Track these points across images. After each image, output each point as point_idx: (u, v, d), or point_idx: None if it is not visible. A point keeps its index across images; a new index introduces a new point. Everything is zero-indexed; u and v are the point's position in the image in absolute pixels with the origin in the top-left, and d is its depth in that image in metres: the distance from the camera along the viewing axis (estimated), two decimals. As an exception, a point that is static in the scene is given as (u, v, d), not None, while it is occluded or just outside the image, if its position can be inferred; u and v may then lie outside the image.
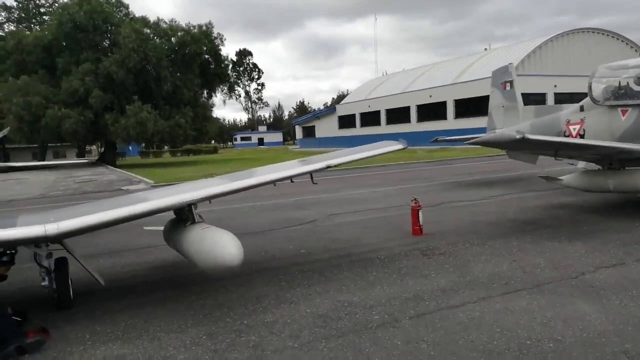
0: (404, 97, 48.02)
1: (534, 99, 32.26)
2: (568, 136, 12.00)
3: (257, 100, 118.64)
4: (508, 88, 14.21)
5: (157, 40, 37.69)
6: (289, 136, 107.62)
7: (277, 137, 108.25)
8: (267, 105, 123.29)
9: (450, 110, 42.61)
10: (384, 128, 50.26)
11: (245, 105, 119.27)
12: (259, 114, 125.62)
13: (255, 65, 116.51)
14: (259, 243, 8.05)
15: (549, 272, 5.60)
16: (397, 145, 6.52)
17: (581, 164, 10.72)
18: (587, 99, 11.39)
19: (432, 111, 44.28)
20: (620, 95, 10.76)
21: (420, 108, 46.07)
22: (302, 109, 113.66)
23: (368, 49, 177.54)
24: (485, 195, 11.90)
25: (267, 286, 5.73)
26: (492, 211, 9.68)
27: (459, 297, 4.98)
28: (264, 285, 5.80)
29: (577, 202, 10.04)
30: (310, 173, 6.41)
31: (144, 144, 56.00)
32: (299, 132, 69.68)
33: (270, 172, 6.13)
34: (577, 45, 40.94)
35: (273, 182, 6.10)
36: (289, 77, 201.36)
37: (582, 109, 11.67)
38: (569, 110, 12.18)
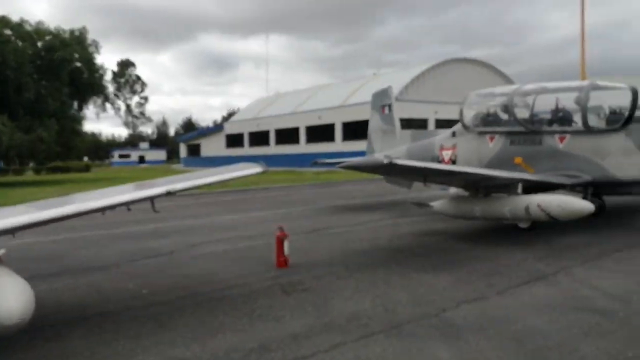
0: (294, 117, 48.05)
1: (416, 124, 33.63)
2: (441, 161, 12.14)
3: (139, 115, 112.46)
4: (387, 112, 14.24)
5: (20, 43, 33.66)
6: (174, 154, 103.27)
7: (161, 155, 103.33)
8: (150, 120, 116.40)
9: (339, 132, 43.29)
10: (273, 148, 49.78)
11: (126, 119, 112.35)
12: (140, 129, 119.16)
13: (138, 77, 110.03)
14: (95, 282, 6.77)
15: (410, 309, 5.11)
16: (254, 169, 5.74)
17: (453, 190, 10.77)
18: (459, 124, 11.61)
19: (321, 133, 44.67)
20: (489, 122, 11.06)
21: (309, 129, 46.30)
22: (189, 125, 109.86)
23: (262, 67, 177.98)
24: (363, 220, 11.56)
25: (85, 339, 4.58)
26: (366, 238, 9.25)
27: (311, 344, 4.26)
28: (81, 338, 4.64)
29: (448, 228, 9.98)
30: (151, 199, 5.35)
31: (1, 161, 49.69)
32: (183, 150, 66.82)
33: (94, 199, 5.00)
34: (457, 73, 43.87)
35: (98, 211, 4.99)
36: (177, 91, 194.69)
37: (454, 134, 11.87)
38: (442, 135, 12.35)
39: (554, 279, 6.10)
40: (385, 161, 6.66)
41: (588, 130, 9.30)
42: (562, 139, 9.70)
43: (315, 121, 45.02)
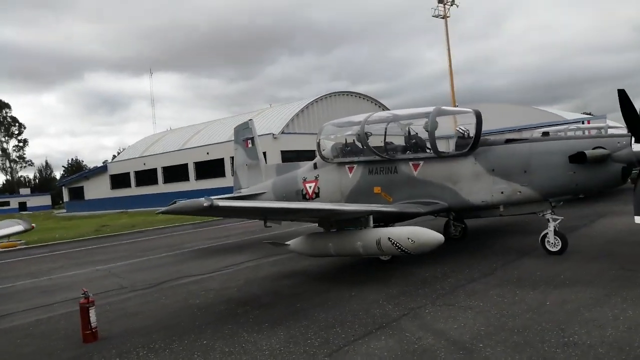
0: (181, 154, 45.89)
1: (305, 156, 33.32)
2: (305, 194, 11.51)
3: (17, 159, 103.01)
4: (250, 145, 13.44)
5: None
6: (60, 199, 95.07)
7: (45, 200, 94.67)
8: (31, 164, 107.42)
9: (228, 167, 41.91)
10: (161, 187, 47.02)
11: (3, 164, 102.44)
12: (21, 174, 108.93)
13: (14, 120, 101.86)
14: None
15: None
16: (15, 227, 4.53)
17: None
18: (318, 156, 11.07)
19: (211, 168, 42.99)
20: (346, 152, 10.63)
21: (198, 165, 44.41)
22: (75, 167, 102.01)
23: (157, 105, 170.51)
24: (224, 265, 10.49)
25: None
26: (215, 288, 8.20)
27: None
28: None
29: (310, 267, 9.23)
30: None
31: None
32: (66, 195, 61.37)
33: None
34: (339, 105, 44.77)
35: None
36: (65, 133, 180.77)
37: (315, 166, 11.30)
38: (304, 168, 11.75)
39: (398, 325, 5.46)
40: (206, 204, 5.74)
41: (438, 156, 9.12)
42: (415, 167, 9.45)
43: (203, 157, 43.31)
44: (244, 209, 6.68)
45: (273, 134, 37.97)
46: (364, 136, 9.89)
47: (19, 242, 18.14)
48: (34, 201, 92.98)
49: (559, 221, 8.38)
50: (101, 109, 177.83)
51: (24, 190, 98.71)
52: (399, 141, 10.08)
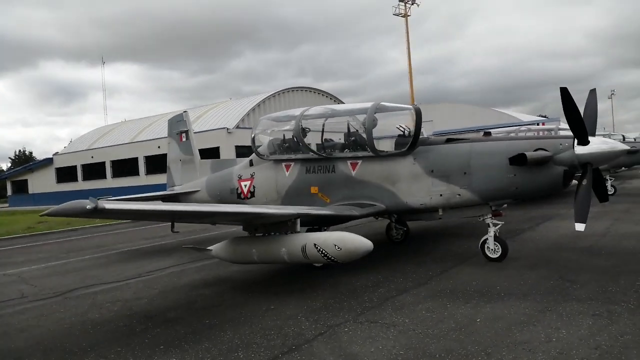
0: (132, 147, 44.06)
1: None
2: (240, 193, 10.73)
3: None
4: (184, 139, 12.53)
5: None
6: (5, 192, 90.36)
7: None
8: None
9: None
10: (110, 181, 45.11)
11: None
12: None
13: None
14: None
15: None
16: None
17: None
18: (254, 153, 10.32)
19: (162, 163, 41.35)
20: (283, 149, 9.89)
21: (149, 159, 42.76)
22: (24, 159, 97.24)
23: (114, 96, 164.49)
24: (148, 270, 9.59)
25: None
26: (124, 299, 7.33)
27: None
28: None
29: (236, 274, 8.47)
30: None
31: None
32: (9, 188, 58.18)
33: None
34: (298, 101, 44.02)
35: None
36: (17, 122, 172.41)
37: (251, 163, 10.53)
38: (240, 165, 10.95)
39: (308, 349, 4.77)
40: (89, 206, 4.89)
41: (376, 155, 8.51)
42: (354, 166, 8.82)
43: (154, 151, 41.70)
44: (138, 212, 5.85)
45: (227, 129, 36.93)
46: (299, 132, 9.19)
47: None
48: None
49: (499, 226, 7.92)
50: (56, 99, 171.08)
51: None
52: (335, 139, 9.44)
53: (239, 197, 10.65)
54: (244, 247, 7.48)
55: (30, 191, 53.30)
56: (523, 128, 17.69)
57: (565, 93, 6.58)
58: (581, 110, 7.01)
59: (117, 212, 5.57)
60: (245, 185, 10.55)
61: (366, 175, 8.66)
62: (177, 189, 12.40)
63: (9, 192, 57.83)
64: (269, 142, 10.10)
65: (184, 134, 12.53)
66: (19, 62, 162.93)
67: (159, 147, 41.61)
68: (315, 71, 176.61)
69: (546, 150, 7.16)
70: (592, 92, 7.69)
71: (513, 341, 4.59)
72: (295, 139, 9.34)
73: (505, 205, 8.37)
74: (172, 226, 7.18)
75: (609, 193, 18.03)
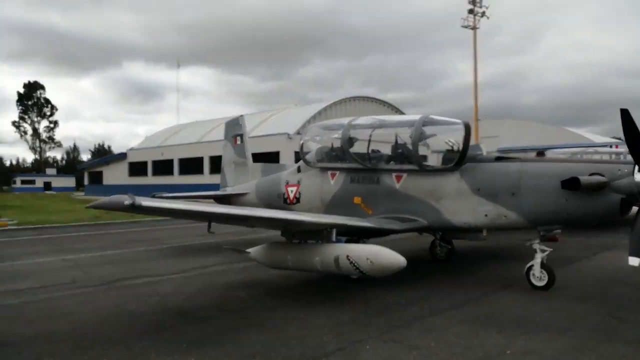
0: (198, 147, 45.81)
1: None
2: (286, 199, 10.83)
3: (47, 140, 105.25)
4: (239, 142, 12.86)
5: None
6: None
7: (69, 182, 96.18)
8: (59, 145, 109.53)
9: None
10: (176, 178, 47.08)
11: (33, 144, 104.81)
12: (49, 155, 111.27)
13: (47, 101, 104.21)
14: None
15: None
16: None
17: None
18: (302, 160, 10.39)
19: (225, 163, 42.71)
20: (330, 157, 9.89)
21: (213, 159, 44.19)
22: (102, 152, 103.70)
23: (188, 98, 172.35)
24: (191, 267, 9.90)
25: None
26: (163, 294, 7.60)
27: None
28: None
29: (273, 278, 8.52)
30: None
31: None
32: (86, 178, 62.20)
33: None
34: (358, 109, 44.02)
35: None
36: (100, 118, 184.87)
37: (299, 170, 10.62)
38: (289, 170, 11.07)
39: (325, 363, 4.72)
40: (127, 202, 5.11)
41: (422, 169, 8.32)
42: (398, 178, 8.66)
43: (220, 151, 42.94)
44: (172, 210, 6.02)
45: (288, 134, 37.46)
46: (346, 141, 9.16)
47: (9, 221, 17.96)
48: (58, 182, 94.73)
49: (547, 253, 7.48)
50: (136, 98, 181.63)
51: (50, 171, 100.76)
52: (382, 150, 9.32)
53: (285, 202, 10.75)
54: (279, 252, 7.54)
55: (105, 182, 56.67)
56: (590, 150, 16.66)
57: (626, 115, 6.12)
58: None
59: (153, 210, 5.77)
60: (292, 191, 10.63)
61: (410, 189, 8.48)
62: (229, 190, 12.71)
63: (86, 182, 61.79)
64: (317, 150, 10.14)
65: (239, 138, 12.85)
66: (104, 62, 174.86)
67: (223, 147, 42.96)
68: (381, 81, 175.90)
69: (602, 176, 6.69)
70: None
71: (540, 378, 4.30)
72: (341, 148, 9.31)
73: (559, 230, 7.93)
74: (209, 227, 7.34)
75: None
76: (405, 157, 8.69)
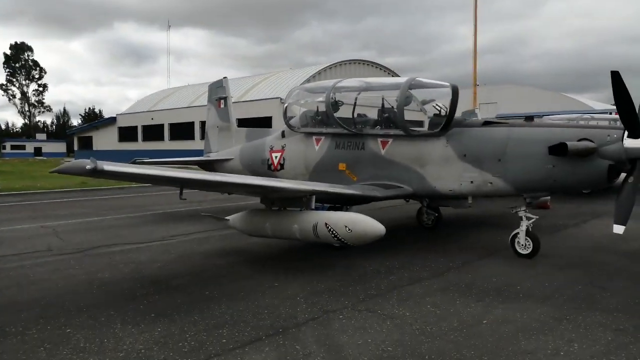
0: (189, 111, 45.09)
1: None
2: (270, 165, 10.57)
3: (36, 104, 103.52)
4: (222, 106, 12.47)
5: None
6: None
7: (60, 147, 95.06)
8: (49, 110, 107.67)
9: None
10: (167, 144, 46.57)
11: (22, 108, 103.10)
12: (38, 119, 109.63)
13: (35, 63, 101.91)
14: None
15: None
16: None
17: None
18: (286, 124, 10.07)
19: (216, 128, 42.13)
20: (315, 122, 9.59)
21: (204, 124, 43.55)
22: (92, 117, 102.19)
23: (181, 61, 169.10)
24: (172, 234, 9.71)
25: None
26: (138, 262, 7.41)
27: None
28: None
29: (254, 246, 8.33)
30: None
31: None
32: (76, 144, 61.43)
33: None
34: (355, 73, 43.07)
35: None
36: (91, 81, 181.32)
37: (283, 135, 10.31)
38: (273, 135, 10.77)
39: (295, 334, 4.55)
40: (89, 167, 4.84)
41: (408, 134, 8.04)
42: (384, 144, 8.40)
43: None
44: (136, 175, 5.77)
45: (281, 99, 36.83)
46: (330, 105, 8.84)
47: (-7, 188, 17.63)
48: (49, 147, 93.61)
49: (532, 220, 7.31)
50: (128, 60, 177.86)
51: (40, 136, 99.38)
52: (367, 114, 9.02)
53: (269, 169, 10.49)
54: (258, 219, 7.33)
55: (95, 148, 55.97)
56: (586, 116, 16.38)
57: (616, 78, 5.84)
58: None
59: (115, 174, 5.51)
60: (276, 157, 10.36)
61: (396, 155, 8.23)
62: (213, 156, 12.41)
63: (76, 147, 61.05)
64: (302, 114, 9.82)
65: (222, 101, 12.46)
66: (95, 23, 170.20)
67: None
68: (380, 45, 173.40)
69: (591, 141, 6.45)
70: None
71: (515, 350, 4.16)
72: (326, 112, 8.99)
73: (548, 197, 7.75)
74: (181, 193, 7.09)
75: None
76: (391, 121, 8.40)
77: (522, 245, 7.36)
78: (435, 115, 8.07)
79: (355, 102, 8.92)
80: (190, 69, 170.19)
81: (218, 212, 10.21)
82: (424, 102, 8.43)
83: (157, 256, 7.77)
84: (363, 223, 6.20)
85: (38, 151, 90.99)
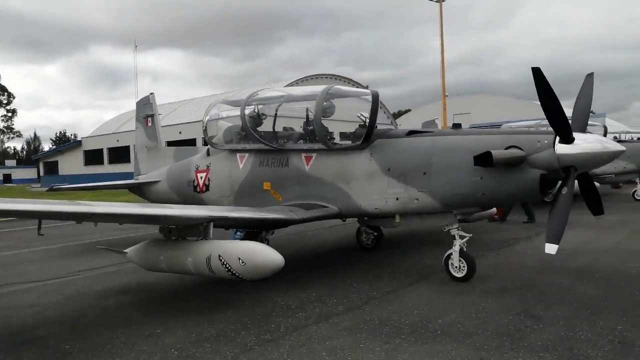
0: (155, 132, 43.97)
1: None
2: (196, 186, 9.65)
3: (5, 130, 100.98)
4: (150, 124, 11.55)
5: None
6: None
7: (31, 173, 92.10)
8: (19, 135, 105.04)
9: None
10: (134, 165, 45.28)
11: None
12: (7, 145, 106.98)
13: (3, 88, 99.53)
14: None
15: None
16: None
17: None
18: (208, 142, 9.20)
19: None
20: (237, 138, 8.73)
21: (170, 145, 42.47)
22: (63, 141, 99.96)
23: (159, 82, 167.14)
24: (82, 268, 8.73)
25: None
26: (14, 307, 6.39)
27: None
28: None
29: (161, 280, 7.36)
30: None
31: None
32: (42, 169, 59.60)
33: None
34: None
35: None
36: (67, 105, 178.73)
37: (208, 153, 9.43)
38: (200, 154, 9.86)
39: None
40: None
41: (329, 148, 7.23)
42: (308, 160, 7.56)
43: (176, 136, 41.36)
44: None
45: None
46: (244, 118, 8.00)
47: None
48: (19, 173, 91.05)
49: (466, 239, 6.51)
50: (104, 83, 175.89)
51: (10, 162, 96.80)
52: (289, 128, 8.21)
53: (195, 190, 9.57)
54: (154, 252, 6.38)
55: (61, 173, 54.38)
56: (544, 122, 15.75)
57: (537, 74, 5.12)
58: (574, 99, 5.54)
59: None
60: (202, 177, 9.44)
61: (320, 172, 7.40)
62: (142, 178, 11.45)
63: (42, 172, 59.23)
64: (227, 129, 8.94)
65: (149, 119, 11.55)
66: (71, 47, 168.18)
67: (180, 132, 41.38)
68: (357, 60, 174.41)
69: (520, 149, 5.70)
70: (589, 77, 6.16)
71: (404, 416, 3.29)
72: (242, 127, 8.15)
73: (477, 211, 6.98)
74: (39, 228, 6.15)
75: (638, 198, 16.08)
76: (313, 134, 7.58)
77: (457, 267, 6.54)
78: (359, 126, 7.29)
79: (275, 115, 8.10)
80: (167, 90, 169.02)
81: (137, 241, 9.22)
82: (345, 112, 7.64)
83: (43, 298, 6.75)
84: (259, 255, 5.31)
85: (7, 178, 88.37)
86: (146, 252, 6.48)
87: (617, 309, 5.25)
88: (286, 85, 41.56)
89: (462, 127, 7.71)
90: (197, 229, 6.09)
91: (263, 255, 5.29)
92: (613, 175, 16.30)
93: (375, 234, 9.12)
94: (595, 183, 14.90)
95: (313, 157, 7.51)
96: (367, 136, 6.81)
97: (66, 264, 9.31)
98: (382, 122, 8.51)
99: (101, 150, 49.29)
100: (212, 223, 6.02)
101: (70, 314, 5.98)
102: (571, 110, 6.19)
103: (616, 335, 4.51)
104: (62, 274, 8.27)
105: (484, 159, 5.70)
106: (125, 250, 6.88)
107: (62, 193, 13.50)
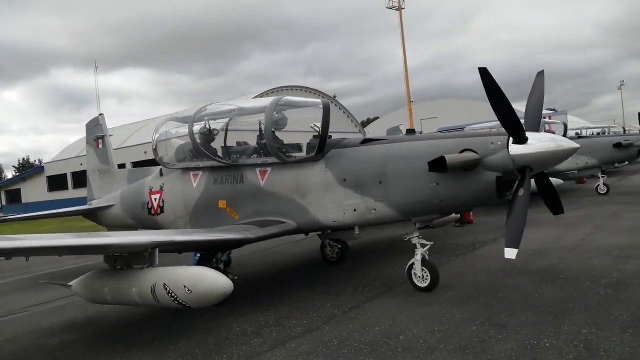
0: (119, 153, 42.77)
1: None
2: (150, 208, 9.22)
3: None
4: (100, 146, 11.07)
5: None
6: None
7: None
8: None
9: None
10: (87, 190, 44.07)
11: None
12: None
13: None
14: None
15: None
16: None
17: None
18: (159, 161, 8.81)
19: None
20: (189, 155, 8.38)
21: (136, 165, 41.52)
22: (26, 168, 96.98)
23: (125, 102, 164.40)
24: (27, 304, 8.16)
25: None
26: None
27: None
28: None
29: (111, 313, 6.91)
30: None
31: None
32: (3, 197, 57.47)
33: None
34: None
35: None
36: (29, 130, 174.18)
37: (161, 173, 9.03)
38: (152, 175, 9.45)
39: None
40: None
41: (283, 161, 6.95)
42: (263, 174, 7.27)
43: (141, 156, 40.46)
44: None
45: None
46: (196, 135, 7.68)
47: None
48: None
49: (427, 247, 6.30)
50: (67, 106, 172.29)
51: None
52: (241, 142, 7.92)
53: (149, 213, 9.15)
54: (98, 284, 5.96)
55: (24, 200, 52.55)
56: (493, 124, 15.81)
57: (485, 75, 4.97)
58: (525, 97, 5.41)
59: None
60: (155, 199, 9.04)
61: (275, 186, 7.11)
62: (95, 203, 10.94)
63: (4, 202, 57.12)
64: (179, 147, 8.58)
65: (100, 140, 11.08)
66: (32, 71, 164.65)
67: (145, 152, 40.48)
68: (324, 70, 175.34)
69: (474, 152, 5.53)
70: (539, 75, 6.07)
71: None
72: (192, 144, 7.82)
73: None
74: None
75: (602, 192, 16.29)
76: (266, 148, 7.29)
77: (420, 277, 6.32)
78: (313, 136, 7.03)
79: (226, 129, 7.80)
80: (134, 109, 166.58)
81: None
82: (296, 123, 7.40)
83: (-19, 340, 6.24)
84: (206, 281, 4.98)
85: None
86: (90, 284, 6.05)
87: (582, 311, 5.09)
88: (254, 97, 41.25)
89: (437, 131, 7.58)
90: (142, 256, 5.70)
91: (210, 281, 4.96)
92: (576, 171, 16.48)
93: (340, 246, 8.85)
94: (560, 180, 14.92)
95: (268, 172, 7.23)
96: (320, 147, 6.57)
97: (15, 299, 8.77)
98: (350, 131, 8.29)
99: (65, 175, 47.83)
100: (157, 249, 5.64)
101: (9, 358, 5.51)
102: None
103: (581, 340, 4.33)
104: (13, 310, 7.77)
105: (438, 164, 5.51)
106: (70, 283, 6.43)
107: (11, 223, 12.83)
